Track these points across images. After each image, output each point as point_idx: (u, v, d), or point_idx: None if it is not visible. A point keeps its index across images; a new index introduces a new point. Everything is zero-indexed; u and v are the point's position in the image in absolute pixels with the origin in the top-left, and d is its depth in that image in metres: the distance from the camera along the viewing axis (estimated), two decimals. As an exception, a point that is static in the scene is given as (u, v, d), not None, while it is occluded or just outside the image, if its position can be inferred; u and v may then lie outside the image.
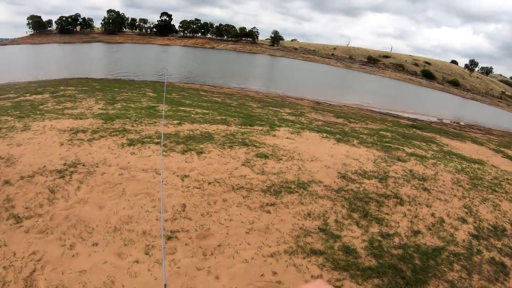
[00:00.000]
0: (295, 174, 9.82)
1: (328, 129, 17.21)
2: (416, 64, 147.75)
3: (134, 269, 5.46)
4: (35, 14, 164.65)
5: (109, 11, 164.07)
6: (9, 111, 14.38)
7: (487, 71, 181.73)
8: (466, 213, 9.23)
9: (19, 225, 6.34)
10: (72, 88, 22.93)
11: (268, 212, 7.63)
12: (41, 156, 9.32)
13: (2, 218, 6.52)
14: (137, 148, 10.39)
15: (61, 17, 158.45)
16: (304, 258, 6.20)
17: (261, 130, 14.30)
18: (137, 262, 5.63)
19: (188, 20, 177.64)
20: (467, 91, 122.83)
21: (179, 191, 8.03)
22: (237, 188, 8.50)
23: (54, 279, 5.17)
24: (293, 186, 9.01)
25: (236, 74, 58.94)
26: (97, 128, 12.05)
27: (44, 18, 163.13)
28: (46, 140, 10.51)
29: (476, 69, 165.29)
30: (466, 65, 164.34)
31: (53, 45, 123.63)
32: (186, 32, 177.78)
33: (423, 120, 34.18)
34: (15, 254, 5.61)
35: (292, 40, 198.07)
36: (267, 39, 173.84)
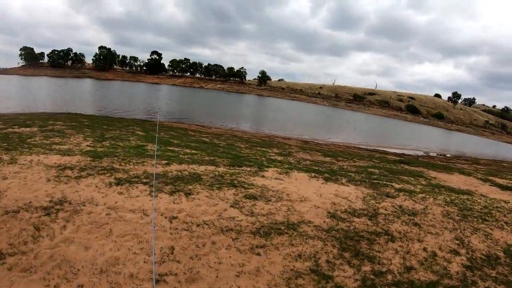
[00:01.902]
0: (284, 215, 9.74)
1: (316, 168, 17.20)
2: (400, 100, 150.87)
3: (119, 313, 5.31)
4: (28, 45, 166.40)
5: (100, 47, 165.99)
6: (-4, 143, 14.22)
7: (470, 102, 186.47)
8: (458, 244, 9.19)
9: (2, 262, 6.16)
10: (61, 123, 22.84)
11: (258, 254, 7.51)
12: (27, 191, 9.17)
13: (-15, 254, 6.35)
14: (125, 187, 10.26)
15: (53, 51, 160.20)
16: (295, 302, 6.10)
17: (250, 170, 14.26)
18: (123, 306, 5.48)
19: (177, 59, 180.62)
20: (451, 123, 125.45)
21: (167, 233, 7.90)
22: (226, 230, 8.38)
23: (37, 322, 5.01)
24: (282, 227, 8.91)
25: (224, 114, 59.37)
26: (85, 165, 11.94)
27: (37, 50, 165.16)
28: (33, 175, 10.38)
29: (460, 100, 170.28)
30: (449, 97, 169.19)
31: (44, 78, 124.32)
32: (175, 71, 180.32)
33: (410, 155, 34.59)
34: (-4, 293, 5.44)
35: (279, 80, 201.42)
36: (255, 79, 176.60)
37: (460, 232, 10.11)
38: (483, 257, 8.68)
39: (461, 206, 12.68)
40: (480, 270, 7.99)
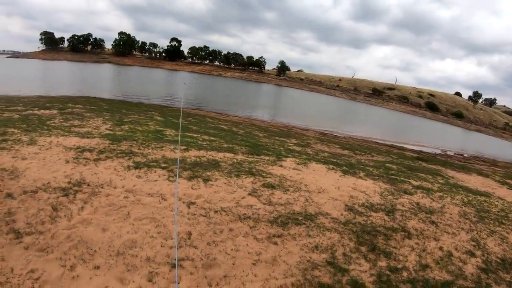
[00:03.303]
0: (302, 206, 9.66)
1: (335, 160, 17.08)
2: (420, 96, 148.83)
3: (136, 296, 5.27)
4: (48, 30, 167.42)
5: (120, 33, 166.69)
6: (16, 123, 14.34)
7: (491, 102, 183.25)
8: (474, 246, 9.04)
9: (19, 241, 6.16)
10: (80, 106, 23.02)
11: (275, 243, 7.44)
12: (46, 172, 9.20)
13: (2, 232, 6.36)
14: (143, 171, 10.26)
15: (73, 36, 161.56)
16: (311, 293, 6.00)
17: (268, 160, 14.19)
18: (140, 289, 5.44)
19: (197, 46, 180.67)
20: (471, 123, 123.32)
21: (185, 218, 7.86)
22: (244, 218, 8.33)
23: (52, 301, 4.98)
24: (300, 218, 8.83)
25: (242, 102, 59.27)
26: (104, 148, 11.96)
27: (57, 35, 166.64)
28: (52, 156, 10.41)
29: (480, 100, 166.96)
30: (470, 96, 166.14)
31: (64, 62, 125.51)
32: (194, 58, 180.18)
33: (428, 152, 34.09)
34: (12, 270, 5.43)
35: (298, 71, 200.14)
36: (274, 68, 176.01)
37: (477, 233, 9.94)
38: (498, 260, 8.51)
39: (478, 207, 12.50)
40: (494, 273, 7.83)
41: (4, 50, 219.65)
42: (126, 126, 17.15)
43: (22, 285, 5.15)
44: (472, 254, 8.54)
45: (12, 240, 6.16)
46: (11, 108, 19.41)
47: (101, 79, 72.11)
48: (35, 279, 5.31)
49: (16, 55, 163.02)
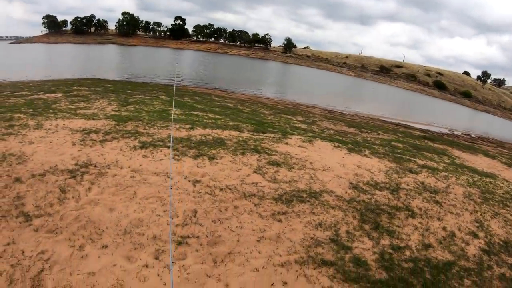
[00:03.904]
0: (306, 183, 9.73)
1: (340, 138, 17.09)
2: (428, 75, 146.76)
3: (143, 273, 5.40)
4: (50, 13, 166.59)
5: (123, 13, 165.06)
6: (22, 108, 14.42)
7: (500, 83, 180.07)
8: (477, 227, 9.05)
9: (29, 224, 6.32)
10: (85, 88, 23.04)
11: (280, 221, 7.55)
12: (53, 155, 9.32)
13: (12, 215, 6.50)
14: (149, 151, 10.36)
15: (76, 18, 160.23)
16: (314, 269, 6.11)
17: (273, 137, 14.23)
18: (147, 266, 5.57)
19: (201, 25, 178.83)
20: (479, 103, 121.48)
21: (191, 196, 7.97)
22: (249, 196, 8.43)
23: (62, 280, 5.13)
24: (304, 195, 8.91)
25: (248, 80, 58.86)
26: (110, 129, 12.05)
27: (60, 18, 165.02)
28: (58, 139, 10.52)
29: (489, 80, 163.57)
30: (478, 76, 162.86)
31: (67, 45, 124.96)
32: (199, 36, 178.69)
33: (434, 132, 33.68)
34: (23, 252, 5.59)
35: (304, 48, 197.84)
36: (280, 46, 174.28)
37: (480, 215, 9.94)
38: (501, 242, 8.52)
39: (483, 188, 12.47)
40: (497, 255, 7.86)
41: (7, 36, 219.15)
42: (132, 106, 17.20)
43: (33, 267, 5.30)
44: (475, 235, 8.56)
45: (22, 223, 6.31)
46: (16, 93, 19.49)
47: (105, 60, 71.84)
48: (45, 260, 5.46)
49: (19, 40, 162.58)
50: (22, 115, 13.00)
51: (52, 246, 5.79)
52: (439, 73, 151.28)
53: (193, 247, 6.20)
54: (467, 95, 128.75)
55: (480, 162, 18.83)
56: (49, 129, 11.47)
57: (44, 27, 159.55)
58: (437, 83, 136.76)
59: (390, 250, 7.12)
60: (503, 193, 12.42)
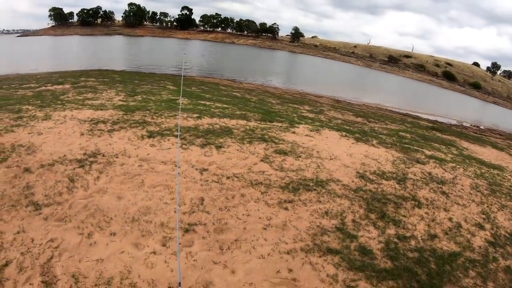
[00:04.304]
0: (313, 172, 9.74)
1: (348, 128, 17.06)
2: (437, 65, 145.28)
3: (150, 260, 5.47)
4: (56, 6, 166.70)
5: (130, 4, 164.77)
6: (30, 100, 14.55)
7: (510, 74, 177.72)
8: (484, 219, 8.99)
9: (38, 212, 6.41)
10: (92, 79, 23.16)
11: (286, 209, 7.59)
12: (62, 145, 9.41)
13: (22, 205, 6.60)
14: (156, 140, 10.42)
15: (82, 10, 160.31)
16: (320, 257, 6.15)
17: (281, 126, 14.23)
18: (154, 253, 5.64)
19: (208, 14, 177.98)
20: (488, 94, 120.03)
21: (198, 185, 8.03)
22: (256, 184, 8.47)
23: (71, 267, 5.21)
24: (311, 184, 8.93)
25: (255, 69, 58.70)
26: (118, 119, 12.12)
27: (65, 10, 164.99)
28: (67, 130, 10.61)
29: (499, 72, 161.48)
30: (488, 67, 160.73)
31: (74, 37, 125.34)
32: (206, 26, 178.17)
33: (443, 122, 33.41)
34: (33, 240, 5.68)
35: (312, 37, 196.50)
36: (287, 35, 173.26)
37: (487, 206, 9.85)
38: (507, 235, 8.45)
39: (491, 180, 12.33)
40: (502, 247, 7.81)
41: (14, 30, 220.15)
42: (139, 96, 17.27)
43: (43, 254, 5.40)
44: (481, 227, 8.51)
45: (32, 212, 6.42)
46: (24, 85, 19.66)
47: (112, 51, 71.93)
48: (55, 248, 5.56)
49: (26, 33, 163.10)
50: (30, 107, 13.10)
51: (61, 234, 5.88)
52: (448, 64, 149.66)
53: (200, 234, 6.27)
54: (476, 86, 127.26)
55: (488, 154, 18.69)
56: (57, 120, 11.55)
57: (51, 19, 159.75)
58: (446, 74, 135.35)
59: (395, 240, 7.14)
60: (510, 185, 12.29)
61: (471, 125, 38.25)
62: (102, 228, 6.13)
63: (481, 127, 37.81)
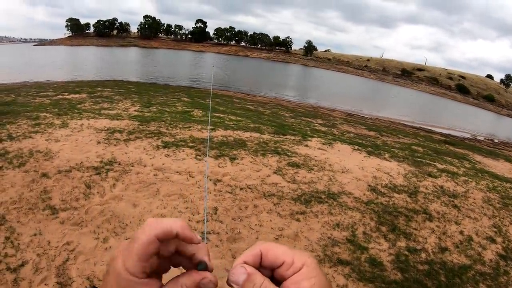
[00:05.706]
0: (325, 185, 9.79)
1: (360, 141, 17.08)
2: (450, 78, 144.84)
3: (165, 267, 5.56)
4: (72, 16, 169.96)
5: (145, 16, 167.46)
6: (48, 108, 14.78)
7: None
8: (495, 232, 8.94)
9: (55, 216, 6.56)
10: (108, 89, 23.47)
11: (298, 220, 7.65)
12: (78, 152, 9.58)
13: (39, 208, 6.76)
14: (171, 150, 10.55)
15: (98, 21, 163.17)
16: (330, 267, 6.20)
17: (294, 139, 14.31)
18: (168, 261, 5.73)
19: (222, 28, 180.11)
20: (502, 107, 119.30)
21: (212, 195, 8.14)
22: (268, 195, 8.55)
23: (86, 269, 5.33)
24: (323, 196, 8.98)
25: (269, 83, 58.96)
26: (133, 129, 12.29)
27: (82, 21, 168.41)
28: (84, 138, 10.79)
29: None
30: (501, 80, 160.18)
31: (91, 47, 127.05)
32: (220, 39, 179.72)
33: (456, 136, 33.22)
34: (49, 243, 5.82)
35: (325, 51, 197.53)
36: (300, 48, 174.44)
37: (499, 220, 9.77)
38: None
39: (503, 194, 12.20)
40: None
41: (31, 38, 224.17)
42: (154, 107, 17.46)
43: (58, 256, 5.53)
44: (493, 240, 8.46)
45: (49, 215, 6.56)
46: (42, 93, 19.96)
47: (128, 63, 72.77)
48: (70, 251, 5.69)
49: (43, 42, 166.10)
50: (48, 114, 13.32)
51: (77, 238, 6.01)
52: (462, 77, 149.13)
53: (213, 242, 6.35)
54: (490, 99, 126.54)
55: (501, 167, 18.58)
56: (74, 128, 11.75)
57: (68, 29, 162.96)
58: (459, 87, 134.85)
59: (406, 252, 7.16)
60: (523, 199, 12.26)
61: (485, 138, 37.96)
62: (117, 233, 6.25)
63: (495, 141, 37.50)
